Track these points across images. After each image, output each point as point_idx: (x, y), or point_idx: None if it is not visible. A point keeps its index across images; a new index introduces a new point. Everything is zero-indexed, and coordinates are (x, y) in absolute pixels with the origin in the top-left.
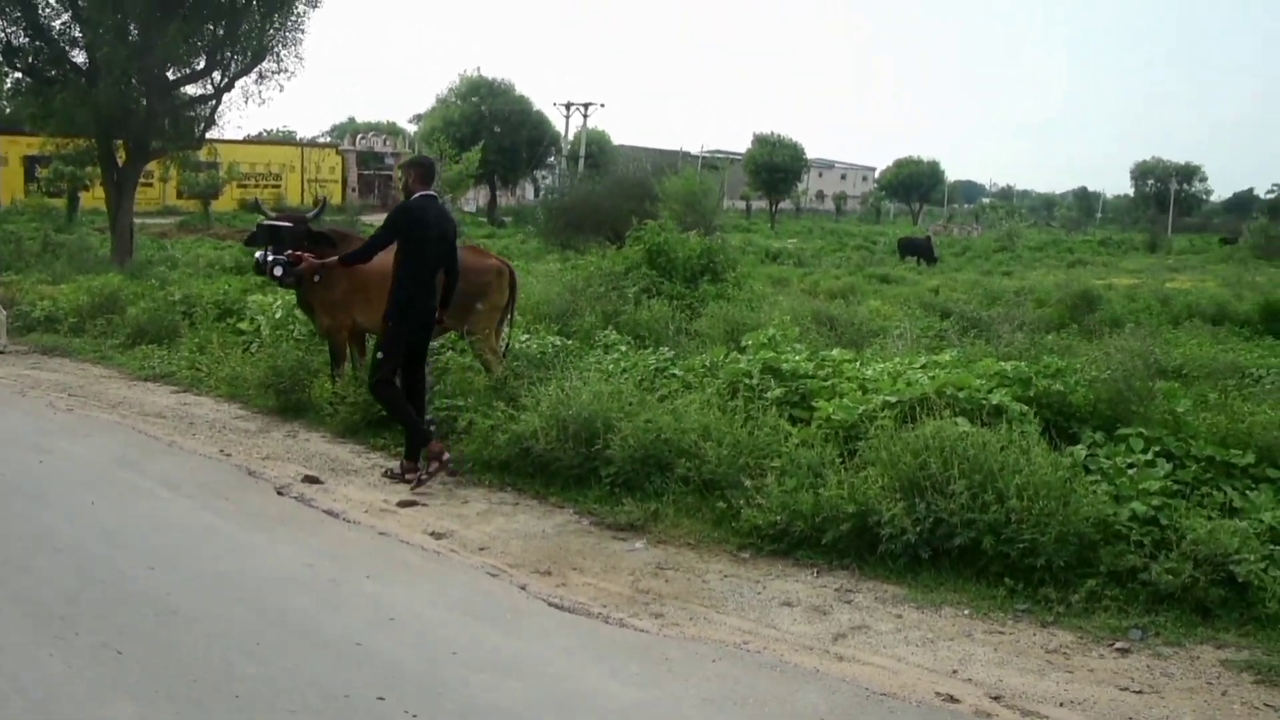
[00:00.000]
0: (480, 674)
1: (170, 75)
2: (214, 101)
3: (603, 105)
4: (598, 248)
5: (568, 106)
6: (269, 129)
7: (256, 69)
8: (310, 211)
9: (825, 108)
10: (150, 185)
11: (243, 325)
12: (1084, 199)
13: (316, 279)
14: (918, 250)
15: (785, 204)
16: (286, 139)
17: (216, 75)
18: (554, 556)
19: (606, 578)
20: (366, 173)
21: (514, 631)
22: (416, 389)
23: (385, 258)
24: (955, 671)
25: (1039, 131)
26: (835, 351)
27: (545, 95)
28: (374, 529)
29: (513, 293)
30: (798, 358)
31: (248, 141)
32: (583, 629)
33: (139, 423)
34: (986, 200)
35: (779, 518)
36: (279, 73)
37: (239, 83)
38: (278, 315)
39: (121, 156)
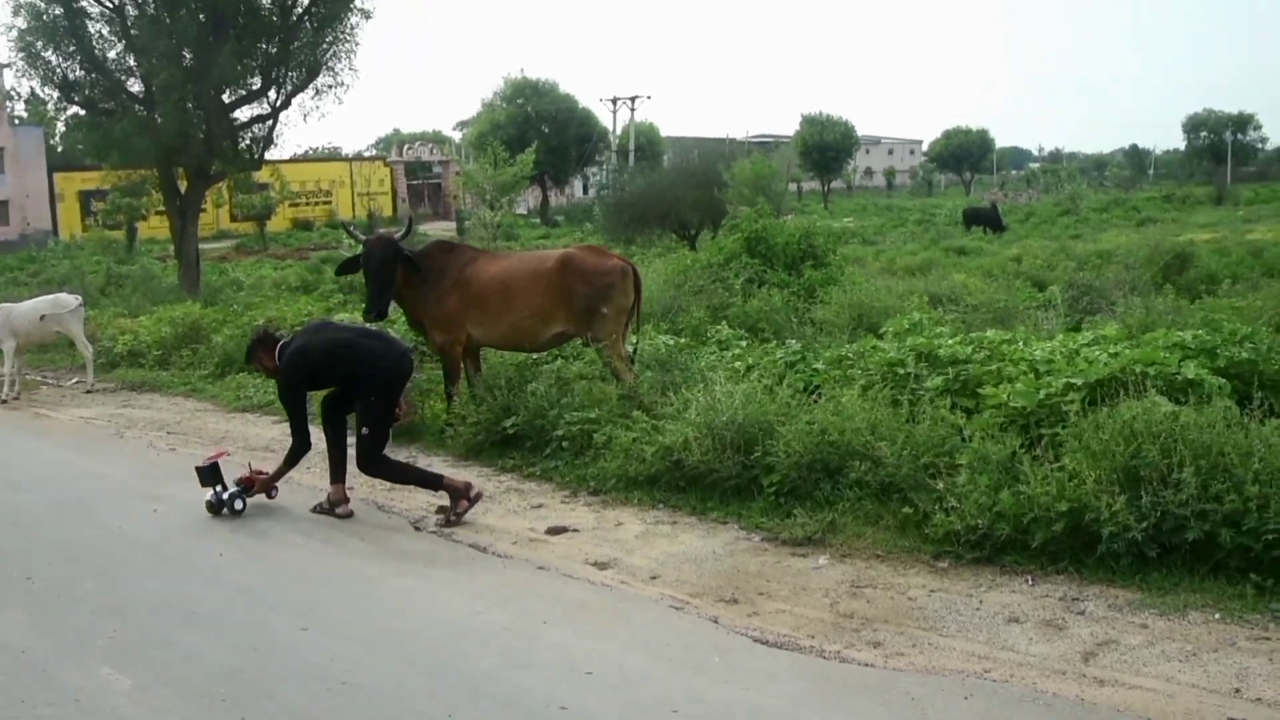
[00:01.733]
0: None
1: (226, 98)
2: (271, 121)
3: (649, 98)
4: (663, 240)
5: (614, 101)
6: (314, 147)
7: (313, 84)
8: (398, 231)
9: (865, 84)
10: (204, 210)
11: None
12: (1135, 156)
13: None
14: (984, 220)
15: (836, 183)
16: (332, 155)
17: (273, 94)
18: (734, 581)
19: (800, 602)
20: (415, 182)
21: (729, 678)
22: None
23: (499, 262)
24: (1238, 690)
25: (1083, 92)
26: (990, 333)
27: (590, 91)
28: (530, 563)
29: (638, 294)
30: (950, 341)
31: (295, 160)
32: (801, 668)
33: (249, 458)
34: (1035, 165)
35: (979, 521)
36: (335, 86)
37: (295, 99)
38: (362, 314)
39: (183, 183)
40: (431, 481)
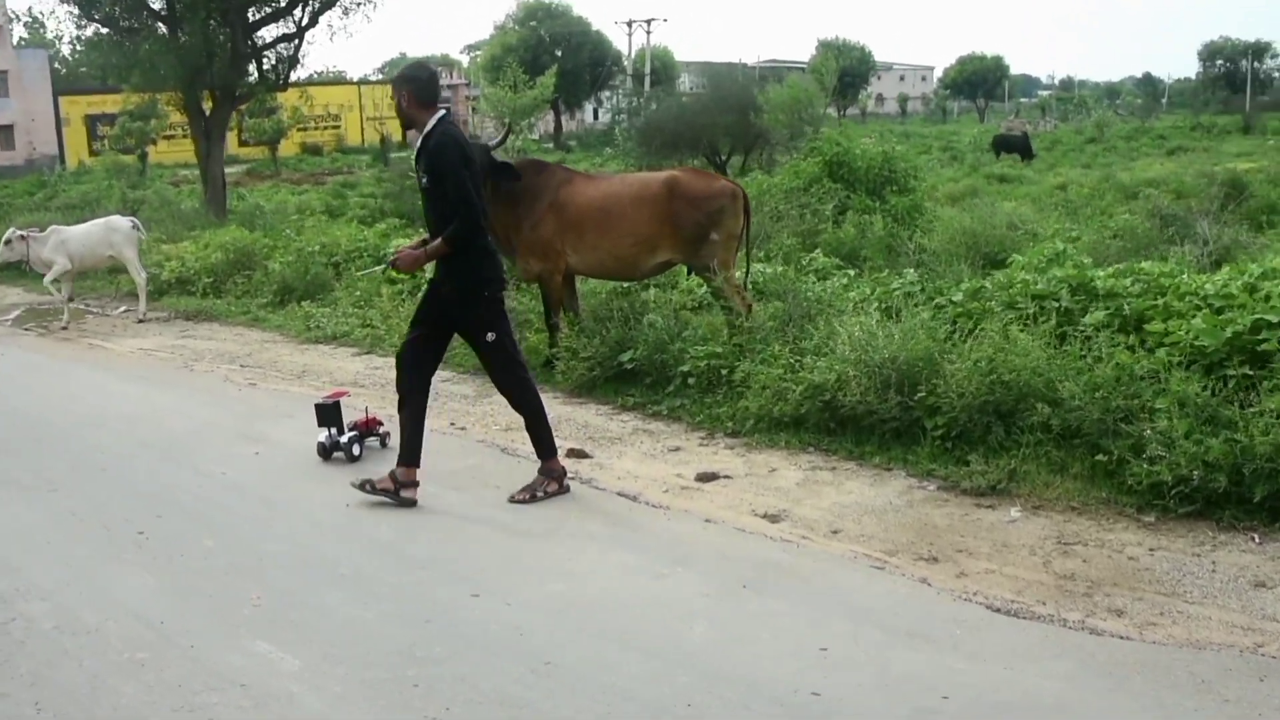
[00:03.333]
0: None
1: (252, 15)
2: (297, 40)
3: (665, 20)
4: (693, 166)
5: (629, 24)
6: (319, 70)
7: (340, 2)
8: (493, 140)
9: (874, 9)
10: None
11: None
12: (1148, 84)
13: None
14: (1014, 147)
15: (850, 110)
16: (337, 79)
17: (298, 12)
18: (925, 536)
19: (1007, 561)
20: None
21: (982, 654)
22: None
23: (596, 184)
24: None
25: (1090, 18)
26: (1147, 264)
27: (603, 14)
28: (692, 515)
29: (747, 218)
30: (1103, 273)
31: (303, 84)
32: (1055, 642)
33: (365, 403)
34: (1045, 92)
35: (1192, 472)
36: (364, 4)
37: (323, 18)
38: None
39: (208, 105)
40: (548, 448)
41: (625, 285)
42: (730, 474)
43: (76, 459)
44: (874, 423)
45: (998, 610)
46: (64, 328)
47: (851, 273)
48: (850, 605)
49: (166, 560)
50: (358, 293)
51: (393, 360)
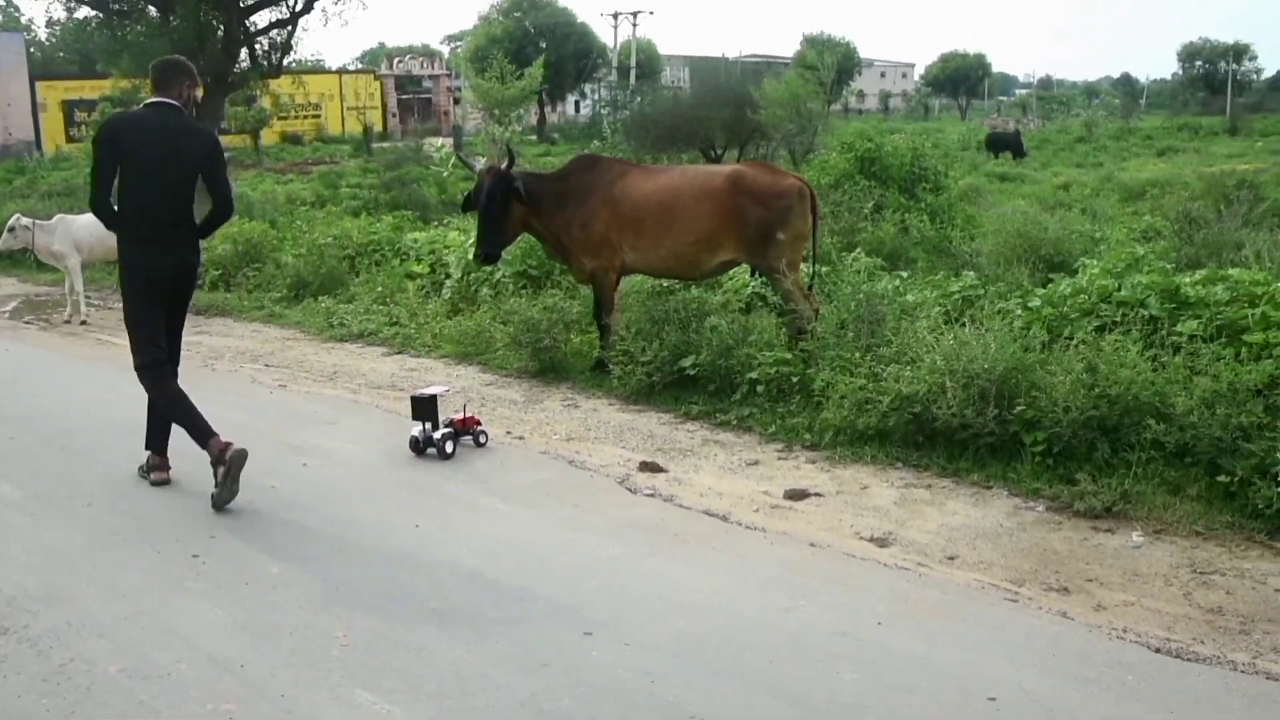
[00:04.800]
0: None
1: (245, 0)
2: (290, 26)
3: (651, 13)
4: (688, 159)
5: (615, 16)
6: (297, 59)
7: None
8: (504, 163)
9: (857, 5)
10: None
11: (417, 268)
12: (1126, 85)
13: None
14: (1007, 145)
15: (834, 106)
16: (317, 68)
17: None
18: (1049, 564)
19: (1144, 592)
20: (405, 97)
21: (1169, 706)
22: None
23: (655, 178)
24: None
25: (1070, 18)
26: (1235, 271)
27: (588, 6)
28: (793, 538)
29: (815, 217)
30: (1191, 280)
31: (291, 71)
32: (1239, 691)
33: (378, 399)
34: (1024, 91)
35: None
36: None
37: (318, 3)
38: (470, 255)
39: (200, 91)
40: (202, 432)
41: (667, 284)
42: (820, 491)
43: (108, 470)
44: (967, 438)
45: (1158, 651)
46: (82, 322)
47: (904, 274)
48: (1001, 645)
49: (231, 590)
50: (378, 289)
51: (426, 362)
